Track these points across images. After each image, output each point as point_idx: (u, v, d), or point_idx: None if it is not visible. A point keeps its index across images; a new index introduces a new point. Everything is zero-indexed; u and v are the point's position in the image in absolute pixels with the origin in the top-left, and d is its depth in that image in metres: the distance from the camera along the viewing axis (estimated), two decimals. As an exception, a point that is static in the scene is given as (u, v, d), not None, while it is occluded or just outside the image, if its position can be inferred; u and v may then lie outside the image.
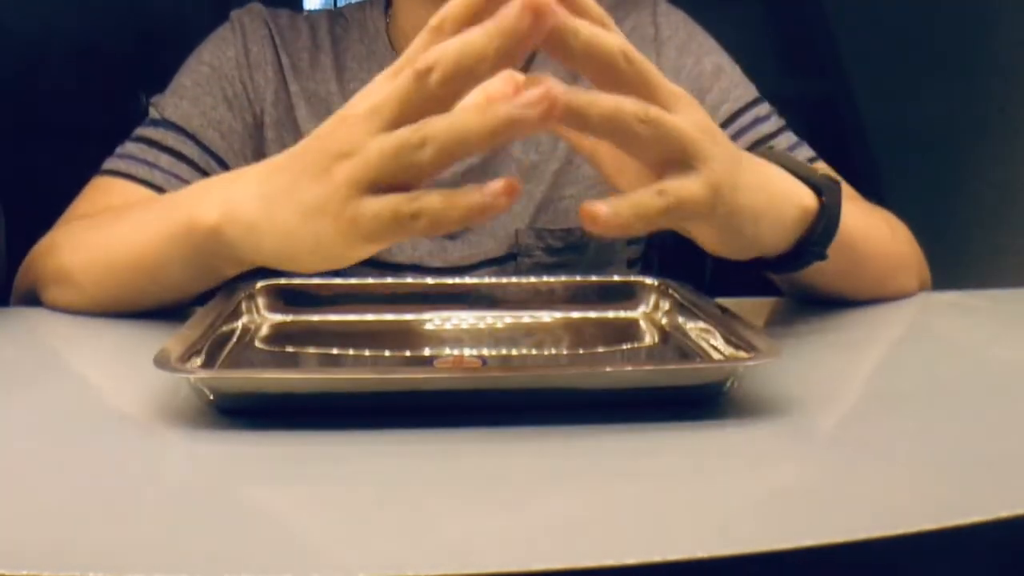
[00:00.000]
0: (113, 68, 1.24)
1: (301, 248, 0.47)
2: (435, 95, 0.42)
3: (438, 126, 0.42)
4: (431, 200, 0.43)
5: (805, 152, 0.79)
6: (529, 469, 0.39)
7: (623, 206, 0.43)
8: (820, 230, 0.55)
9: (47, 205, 0.75)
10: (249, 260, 0.53)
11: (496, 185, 0.42)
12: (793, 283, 0.66)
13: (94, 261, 0.64)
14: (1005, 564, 0.36)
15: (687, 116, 0.45)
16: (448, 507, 0.35)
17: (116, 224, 0.64)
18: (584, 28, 0.42)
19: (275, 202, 0.48)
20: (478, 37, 0.41)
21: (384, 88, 0.44)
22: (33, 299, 0.69)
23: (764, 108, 0.82)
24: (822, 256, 0.56)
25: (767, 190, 0.51)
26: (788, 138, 0.80)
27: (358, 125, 0.44)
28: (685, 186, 0.45)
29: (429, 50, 0.43)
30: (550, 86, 0.41)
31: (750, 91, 0.82)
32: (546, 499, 0.36)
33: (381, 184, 0.44)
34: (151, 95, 0.82)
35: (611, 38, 0.43)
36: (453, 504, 0.35)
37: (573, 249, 0.83)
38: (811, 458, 0.41)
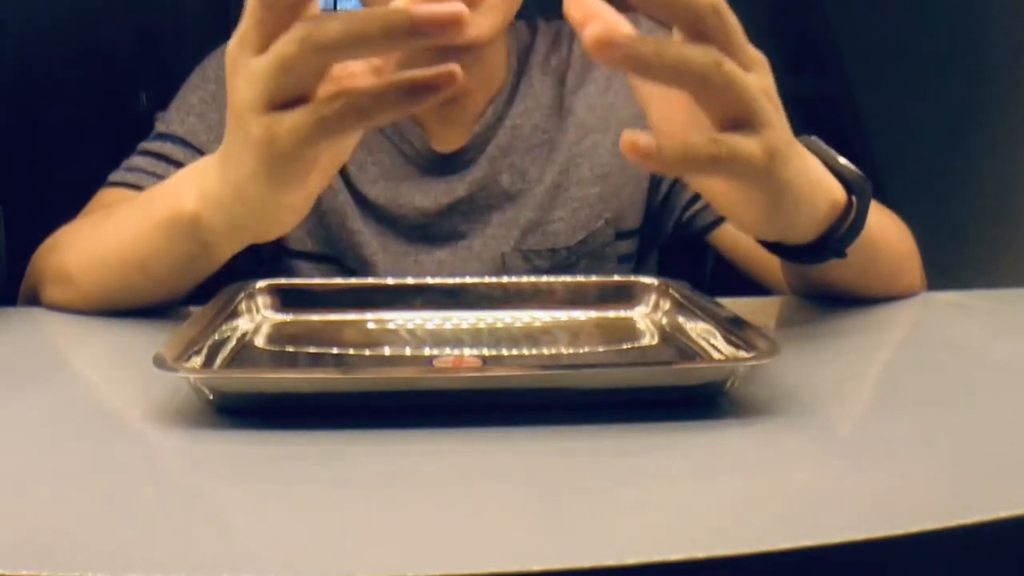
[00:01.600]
0: (113, 68, 1.24)
1: (257, 203, 0.48)
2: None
3: (326, 30, 0.41)
4: (352, 92, 0.42)
5: None
6: (529, 469, 0.39)
7: (670, 143, 0.42)
8: (846, 228, 0.55)
9: (47, 205, 0.75)
10: (234, 239, 0.54)
11: (436, 71, 0.41)
12: (805, 278, 0.66)
13: (88, 259, 0.64)
14: (1005, 564, 0.35)
15: (759, 80, 0.45)
16: (448, 507, 0.35)
17: (107, 222, 0.65)
18: None
19: (229, 172, 0.49)
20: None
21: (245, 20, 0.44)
22: (37, 298, 0.69)
23: None
24: (842, 254, 0.56)
25: (809, 176, 0.51)
26: None
27: (235, 60, 0.45)
28: (742, 142, 0.44)
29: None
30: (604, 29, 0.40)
31: None
32: (546, 499, 0.36)
33: (283, 99, 0.44)
34: (151, 95, 0.82)
35: None
36: (453, 504, 0.35)
37: (561, 269, 0.84)
38: (811, 458, 0.41)
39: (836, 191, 0.54)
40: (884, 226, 0.66)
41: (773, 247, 0.58)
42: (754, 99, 0.44)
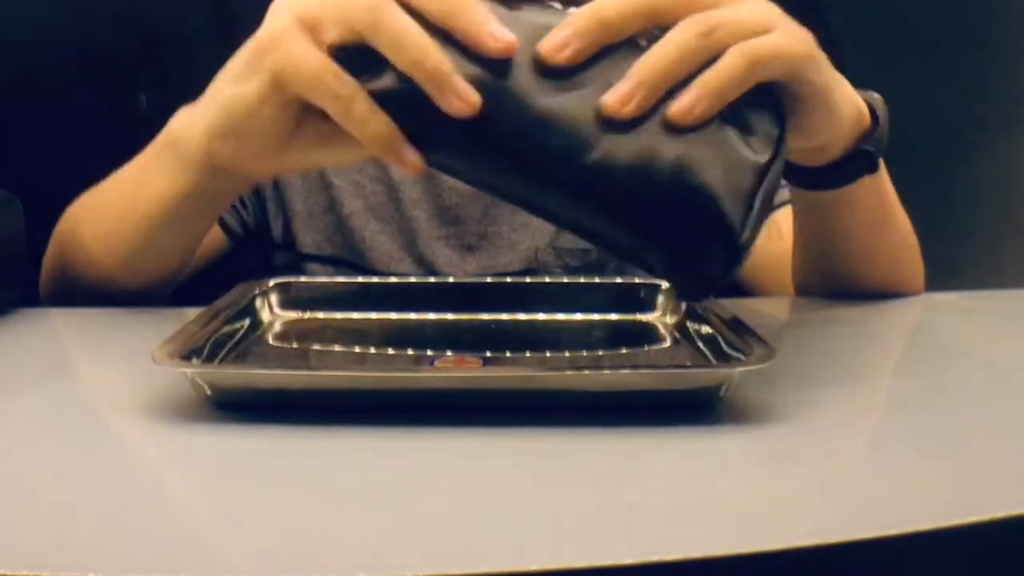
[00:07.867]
0: (113, 68, 1.24)
1: (237, 116, 0.50)
2: None
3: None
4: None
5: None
6: (528, 470, 0.39)
7: (705, 99, 0.42)
8: (875, 135, 0.58)
9: (47, 205, 0.75)
10: (213, 154, 0.54)
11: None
12: (823, 236, 0.66)
13: (98, 219, 0.67)
14: (1005, 564, 0.36)
15: (749, 7, 0.45)
16: (447, 507, 0.35)
17: (112, 180, 0.68)
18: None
19: (215, 84, 0.52)
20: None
21: None
22: (64, 287, 0.71)
23: None
24: (875, 166, 0.58)
25: (840, 80, 0.53)
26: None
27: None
28: (772, 39, 0.44)
29: None
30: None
31: None
32: (545, 499, 0.36)
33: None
34: (151, 95, 0.83)
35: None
36: (452, 504, 0.35)
37: (591, 269, 0.85)
38: (811, 459, 0.41)
39: (859, 102, 0.56)
40: (894, 195, 0.68)
41: (807, 177, 0.59)
42: (760, 22, 0.44)
